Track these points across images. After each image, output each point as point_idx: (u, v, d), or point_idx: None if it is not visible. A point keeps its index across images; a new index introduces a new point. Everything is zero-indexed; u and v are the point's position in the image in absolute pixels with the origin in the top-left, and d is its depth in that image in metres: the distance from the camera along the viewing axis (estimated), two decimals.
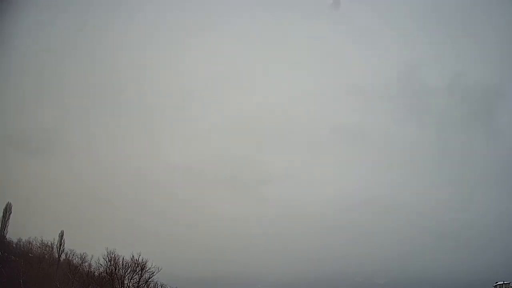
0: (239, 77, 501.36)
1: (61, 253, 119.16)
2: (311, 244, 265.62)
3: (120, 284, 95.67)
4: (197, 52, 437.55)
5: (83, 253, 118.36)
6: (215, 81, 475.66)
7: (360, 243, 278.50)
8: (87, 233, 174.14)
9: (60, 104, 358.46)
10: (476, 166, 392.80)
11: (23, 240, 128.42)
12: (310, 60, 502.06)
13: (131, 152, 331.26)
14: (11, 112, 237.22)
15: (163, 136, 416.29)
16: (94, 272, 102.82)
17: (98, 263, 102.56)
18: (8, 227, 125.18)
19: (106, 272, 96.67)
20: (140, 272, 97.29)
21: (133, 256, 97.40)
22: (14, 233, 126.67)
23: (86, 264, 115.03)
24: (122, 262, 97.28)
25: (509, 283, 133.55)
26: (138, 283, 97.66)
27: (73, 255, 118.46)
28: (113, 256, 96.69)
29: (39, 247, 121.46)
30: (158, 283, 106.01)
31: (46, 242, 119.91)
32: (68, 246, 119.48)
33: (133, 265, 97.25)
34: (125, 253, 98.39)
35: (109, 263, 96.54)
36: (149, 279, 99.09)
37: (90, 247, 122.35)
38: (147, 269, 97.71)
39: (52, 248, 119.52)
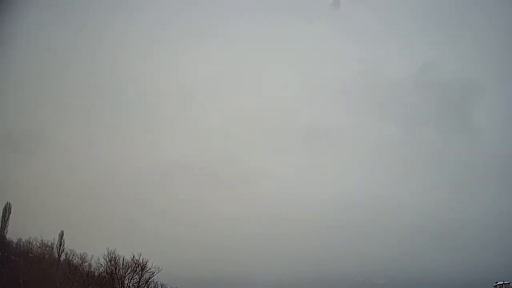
0: (239, 77, 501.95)
1: (61, 253, 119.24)
2: (311, 244, 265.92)
3: (120, 284, 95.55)
4: (197, 52, 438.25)
5: (83, 253, 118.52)
6: (215, 81, 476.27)
7: (360, 243, 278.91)
8: (87, 233, 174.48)
9: (60, 104, 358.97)
10: (476, 166, 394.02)
11: (23, 240, 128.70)
12: (310, 60, 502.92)
13: (131, 152, 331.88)
14: (11, 112, 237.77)
15: (163, 136, 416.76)
16: (94, 272, 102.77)
17: (98, 263, 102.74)
18: (8, 227, 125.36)
19: (106, 272, 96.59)
20: (140, 272, 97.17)
21: (133, 256, 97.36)
22: (14, 233, 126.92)
23: (86, 264, 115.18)
24: (123, 262, 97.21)
25: (509, 283, 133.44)
26: (138, 283, 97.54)
27: (73, 255, 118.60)
28: (113, 256, 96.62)
29: (39, 247, 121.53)
30: (158, 283, 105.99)
31: (46, 242, 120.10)
32: (68, 246, 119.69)
33: (133, 265, 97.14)
34: (125, 253, 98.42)
35: (109, 263, 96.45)
36: (149, 279, 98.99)
37: (90, 247, 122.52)
38: (147, 269, 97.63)
39: (52, 248, 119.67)
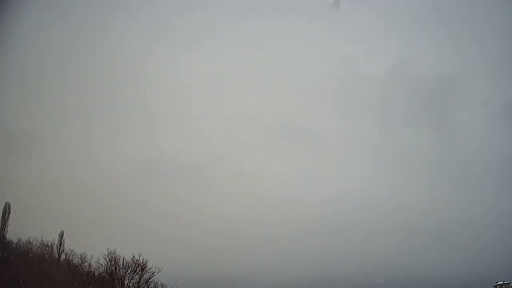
0: (238, 77, 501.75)
1: (61, 253, 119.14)
2: (311, 244, 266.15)
3: (120, 284, 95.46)
4: (197, 52, 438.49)
5: (83, 253, 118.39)
6: (215, 81, 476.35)
7: (360, 243, 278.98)
8: (87, 233, 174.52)
9: (60, 104, 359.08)
10: (476, 166, 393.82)
11: (23, 240, 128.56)
12: (310, 60, 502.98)
13: (131, 152, 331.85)
14: (11, 112, 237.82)
15: (163, 136, 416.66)
16: (94, 272, 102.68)
17: (98, 263, 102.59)
18: (8, 227, 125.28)
19: (106, 272, 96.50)
20: (140, 272, 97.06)
21: (133, 256, 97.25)
22: (14, 233, 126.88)
23: (86, 264, 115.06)
24: (123, 262, 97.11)
25: (509, 283, 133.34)
26: (138, 283, 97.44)
27: (73, 255, 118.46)
28: (113, 256, 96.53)
29: (39, 247, 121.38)
30: (158, 283, 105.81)
31: (46, 242, 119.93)
32: (68, 246, 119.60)
33: (133, 265, 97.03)
34: (125, 253, 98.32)
35: (109, 263, 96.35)
36: (149, 279, 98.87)
37: (90, 247, 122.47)
38: (147, 269, 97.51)
39: (52, 248, 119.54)
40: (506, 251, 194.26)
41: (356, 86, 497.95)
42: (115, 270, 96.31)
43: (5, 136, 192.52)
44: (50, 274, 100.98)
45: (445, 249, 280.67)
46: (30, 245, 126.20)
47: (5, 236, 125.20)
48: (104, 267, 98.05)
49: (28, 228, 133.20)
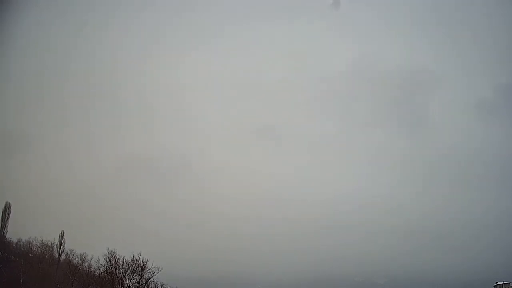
0: (238, 77, 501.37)
1: (61, 253, 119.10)
2: (311, 244, 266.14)
3: (120, 284, 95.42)
4: (197, 52, 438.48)
5: (83, 253, 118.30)
6: (215, 81, 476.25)
7: (360, 243, 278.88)
8: (87, 233, 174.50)
9: (60, 104, 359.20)
10: (476, 166, 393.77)
11: (23, 240, 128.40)
12: (309, 60, 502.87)
13: (131, 152, 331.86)
14: (11, 112, 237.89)
15: (163, 136, 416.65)
16: (94, 272, 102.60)
17: (98, 263, 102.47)
18: (8, 227, 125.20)
19: (106, 272, 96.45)
20: (140, 272, 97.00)
21: (133, 256, 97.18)
22: (14, 233, 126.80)
23: (86, 264, 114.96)
24: (123, 262, 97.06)
25: (509, 283, 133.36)
26: (138, 283, 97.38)
27: (73, 255, 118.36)
28: (113, 256, 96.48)
29: (39, 247, 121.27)
30: (158, 283, 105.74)
31: (46, 242, 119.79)
32: (68, 246, 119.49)
33: (133, 265, 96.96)
34: (125, 253, 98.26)
35: (109, 263, 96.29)
36: (149, 279, 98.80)
37: (90, 247, 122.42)
38: (147, 269, 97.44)
39: (52, 248, 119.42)
40: (506, 251, 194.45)
41: (356, 86, 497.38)
42: (115, 270, 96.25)
43: (5, 136, 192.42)
44: (50, 274, 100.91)
45: (445, 249, 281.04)
46: (30, 245, 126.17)
47: (5, 236, 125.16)
48: (104, 267, 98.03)
49: (28, 228, 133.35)
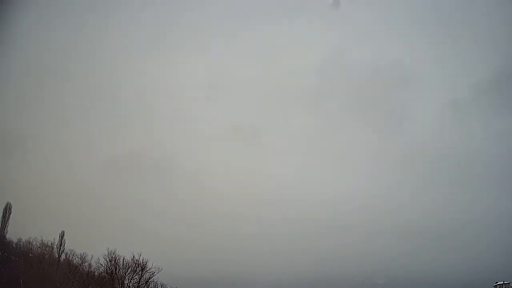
0: (238, 77, 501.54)
1: (61, 253, 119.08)
2: (311, 244, 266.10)
3: (120, 284, 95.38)
4: (197, 52, 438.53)
5: (83, 253, 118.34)
6: (215, 81, 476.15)
7: (360, 243, 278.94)
8: (87, 233, 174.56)
9: (60, 104, 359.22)
10: (476, 166, 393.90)
11: (23, 240, 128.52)
12: (309, 60, 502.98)
13: (131, 152, 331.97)
14: (11, 112, 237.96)
15: (163, 136, 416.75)
16: (94, 272, 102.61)
17: (98, 263, 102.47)
18: (8, 227, 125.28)
19: (106, 272, 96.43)
20: (140, 272, 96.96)
21: (133, 256, 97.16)
22: (14, 233, 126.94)
23: (86, 264, 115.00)
24: (123, 262, 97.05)
25: (509, 283, 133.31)
26: (138, 283, 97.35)
27: (73, 255, 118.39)
28: (113, 256, 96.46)
29: (39, 247, 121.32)
30: (158, 283, 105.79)
31: (46, 242, 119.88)
32: (68, 246, 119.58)
33: (133, 265, 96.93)
34: (125, 253, 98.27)
35: (109, 263, 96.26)
36: (149, 279, 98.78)
37: (90, 247, 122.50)
38: (147, 269, 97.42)
39: (52, 248, 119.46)
40: (506, 251, 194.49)
41: (356, 86, 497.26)
42: (115, 270, 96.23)
43: (5, 136, 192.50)
44: (50, 274, 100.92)
45: (445, 249, 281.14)
46: (30, 245, 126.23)
47: (5, 236, 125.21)
48: (104, 267, 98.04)
49: (28, 228, 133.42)
